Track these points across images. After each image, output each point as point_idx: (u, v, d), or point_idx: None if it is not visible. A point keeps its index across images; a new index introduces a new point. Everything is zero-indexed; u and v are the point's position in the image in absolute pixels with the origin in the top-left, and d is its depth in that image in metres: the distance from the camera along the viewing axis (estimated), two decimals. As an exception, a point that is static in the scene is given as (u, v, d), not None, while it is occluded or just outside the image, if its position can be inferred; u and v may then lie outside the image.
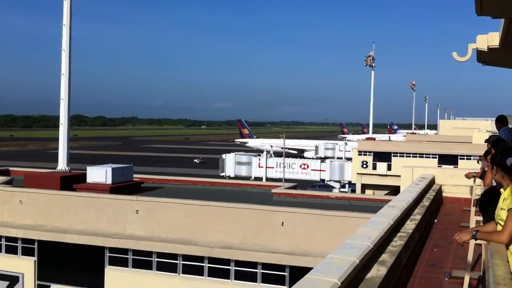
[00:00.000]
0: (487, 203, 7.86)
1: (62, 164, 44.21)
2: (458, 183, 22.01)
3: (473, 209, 15.77)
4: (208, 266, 32.11)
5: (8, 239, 36.81)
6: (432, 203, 18.29)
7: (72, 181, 40.60)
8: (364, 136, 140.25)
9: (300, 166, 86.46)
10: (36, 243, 36.25)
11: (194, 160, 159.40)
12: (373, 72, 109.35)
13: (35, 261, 36.35)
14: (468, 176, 17.94)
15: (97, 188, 38.94)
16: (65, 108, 44.44)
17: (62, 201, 36.75)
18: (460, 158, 73.23)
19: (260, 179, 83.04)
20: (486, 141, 14.30)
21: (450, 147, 76.70)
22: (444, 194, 22.72)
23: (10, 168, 51.73)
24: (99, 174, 40.40)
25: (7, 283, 36.87)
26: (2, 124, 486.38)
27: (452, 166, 61.78)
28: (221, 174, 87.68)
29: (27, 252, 36.57)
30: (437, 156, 75.68)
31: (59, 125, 45.18)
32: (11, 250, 36.86)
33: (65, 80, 44.23)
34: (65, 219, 36.22)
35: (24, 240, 36.46)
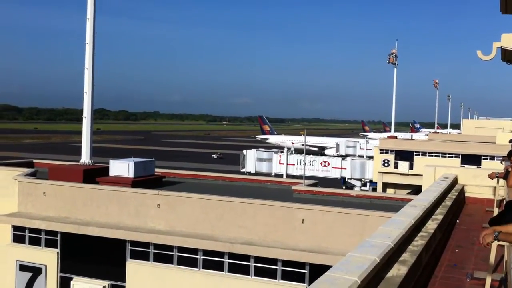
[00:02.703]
0: (505, 215, 7.82)
1: (85, 157, 44.61)
2: (481, 184, 21.82)
3: (496, 209, 15.63)
4: (228, 262, 32.25)
5: (31, 230, 37.37)
6: (454, 203, 18.15)
7: (95, 174, 40.97)
8: (386, 135, 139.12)
9: (321, 163, 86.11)
10: (59, 235, 36.75)
11: (212, 155, 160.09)
12: (395, 69, 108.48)
13: (58, 253, 36.87)
14: (491, 176, 17.78)
15: (120, 181, 39.27)
16: (89, 101, 44.82)
17: (85, 194, 37.18)
18: (484, 158, 72.38)
19: (280, 175, 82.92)
20: (510, 141, 14.16)
21: (473, 147, 75.85)
22: (466, 194, 22.53)
23: (34, 160, 52.41)
24: (121, 167, 40.73)
25: (30, 274, 37.44)
26: (27, 116, 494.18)
27: (475, 166, 61.13)
28: (242, 170, 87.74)
29: (50, 244, 37.09)
30: (460, 155, 74.91)
31: (82, 119, 45.59)
32: (35, 241, 37.42)
33: (88, 73, 44.58)
34: (88, 212, 36.65)
35: (47, 232, 36.99)
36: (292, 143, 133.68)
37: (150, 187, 38.01)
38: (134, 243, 34.52)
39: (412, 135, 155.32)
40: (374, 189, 79.39)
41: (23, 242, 37.72)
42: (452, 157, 75.18)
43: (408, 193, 64.89)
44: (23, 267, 37.51)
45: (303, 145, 76.93)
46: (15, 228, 37.93)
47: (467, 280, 10.68)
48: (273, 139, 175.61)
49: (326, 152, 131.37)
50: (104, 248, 35.50)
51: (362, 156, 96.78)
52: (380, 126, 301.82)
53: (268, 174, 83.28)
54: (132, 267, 34.58)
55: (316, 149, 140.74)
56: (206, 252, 32.76)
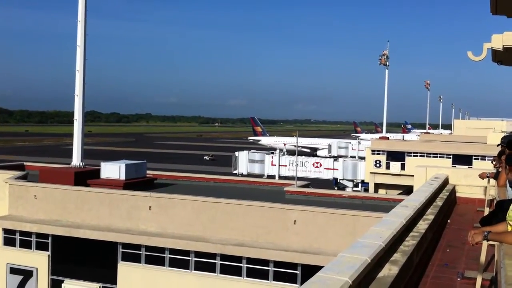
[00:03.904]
0: (495, 215, 7.86)
1: (76, 160, 44.46)
2: (472, 183, 21.90)
3: (486, 209, 15.70)
4: (220, 263, 32.21)
5: (22, 233, 37.17)
6: (446, 203, 18.20)
7: (86, 177, 40.82)
8: (377, 135, 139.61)
9: (313, 164, 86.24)
10: (50, 238, 36.58)
11: (204, 157, 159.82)
12: (387, 71, 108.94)
13: (49, 255, 36.69)
14: (482, 176, 17.86)
15: (111, 184, 39.12)
16: (80, 104, 44.68)
17: (76, 197, 37.03)
18: (475, 159, 72.73)
19: (273, 177, 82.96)
20: (498, 145, 14.25)
21: (465, 147, 76.22)
22: (457, 194, 22.61)
23: (25, 163, 52.11)
24: (113, 170, 40.58)
25: (21, 277, 37.24)
26: (18, 119, 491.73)
27: (466, 166, 61.39)
28: (234, 172, 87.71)
29: (41, 246, 36.91)
30: (451, 156, 75.23)
31: (73, 121, 45.45)
32: (25, 244, 37.23)
33: (79, 76, 44.45)
34: (79, 215, 36.51)
35: (38, 235, 36.80)
36: (284, 144, 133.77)
37: (141, 189, 37.91)
38: (125, 245, 34.41)
39: (403, 136, 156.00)
40: (366, 190, 79.57)
41: (14, 245, 37.52)
42: (443, 157, 75.47)
43: (399, 194, 65.10)
44: (14, 270, 37.31)
45: (295, 146, 77.02)
46: (6, 231, 37.74)
47: (458, 279, 10.70)
48: (265, 140, 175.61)
49: (318, 153, 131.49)
50: (96, 250, 35.39)
51: (354, 157, 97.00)
52: (372, 127, 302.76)
53: (261, 176, 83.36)
54: (124, 269, 34.46)
55: (308, 150, 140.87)
56: (198, 254, 32.70)
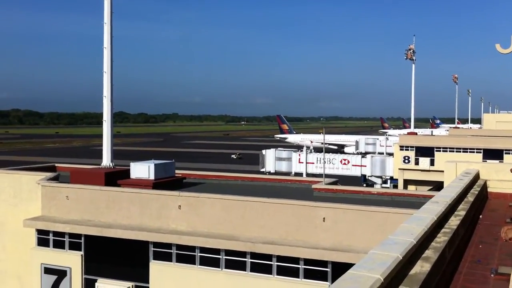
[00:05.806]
0: None
1: (106, 160, 44.99)
2: (504, 178, 21.62)
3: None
4: (250, 261, 32.33)
5: (55, 234, 37.85)
6: (477, 199, 18.00)
7: (116, 177, 41.29)
8: (405, 131, 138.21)
9: (341, 161, 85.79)
10: (82, 238, 37.18)
11: (231, 156, 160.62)
12: (413, 65, 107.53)
13: (82, 255, 37.29)
14: (514, 171, 17.60)
15: (141, 183, 39.53)
16: (108, 105, 45.16)
17: (107, 197, 37.53)
18: (506, 153, 71.61)
19: (300, 174, 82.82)
20: None
21: (495, 141, 75.08)
22: (489, 190, 22.33)
23: (56, 164, 52.96)
24: (142, 170, 41.00)
25: (55, 277, 37.93)
26: (48, 121, 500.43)
27: (497, 161, 60.47)
28: (261, 170, 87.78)
29: (74, 246, 37.54)
30: (481, 150, 74.18)
31: (102, 122, 45.99)
32: (59, 244, 37.90)
33: (107, 77, 44.90)
34: (110, 214, 37.00)
35: (71, 235, 37.43)
36: (311, 142, 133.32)
37: (170, 189, 38.22)
38: (156, 244, 34.78)
39: (432, 131, 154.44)
40: (395, 186, 78.83)
41: (48, 246, 38.23)
42: (473, 152, 74.47)
43: (429, 190, 64.42)
44: (48, 270, 38.01)
45: (322, 143, 76.74)
46: (39, 231, 38.45)
47: (492, 275, 10.60)
48: (292, 138, 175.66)
49: (346, 150, 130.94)
50: (128, 249, 35.84)
51: (382, 153, 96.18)
52: (400, 122, 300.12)
53: (288, 173, 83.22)
54: (156, 268, 34.84)
55: (336, 147, 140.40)
56: (228, 252, 32.89)
